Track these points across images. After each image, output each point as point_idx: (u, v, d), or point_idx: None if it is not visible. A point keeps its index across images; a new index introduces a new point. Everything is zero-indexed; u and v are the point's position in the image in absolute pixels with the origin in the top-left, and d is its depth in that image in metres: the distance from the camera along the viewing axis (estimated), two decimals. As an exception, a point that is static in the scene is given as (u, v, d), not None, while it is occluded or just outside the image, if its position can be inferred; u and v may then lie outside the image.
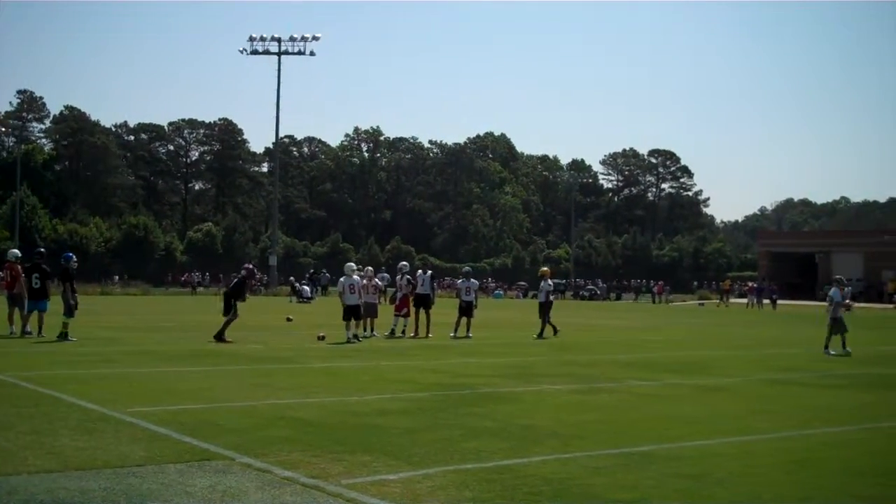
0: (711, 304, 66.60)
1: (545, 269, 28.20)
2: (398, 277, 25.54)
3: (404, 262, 26.65)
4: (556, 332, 25.29)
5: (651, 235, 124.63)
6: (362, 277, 23.20)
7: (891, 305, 62.17)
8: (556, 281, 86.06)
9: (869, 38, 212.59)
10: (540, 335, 24.78)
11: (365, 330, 23.20)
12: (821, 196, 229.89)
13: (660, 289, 72.98)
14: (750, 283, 69.02)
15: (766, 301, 59.69)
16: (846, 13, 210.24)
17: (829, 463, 8.44)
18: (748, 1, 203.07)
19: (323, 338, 21.90)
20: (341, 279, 22.20)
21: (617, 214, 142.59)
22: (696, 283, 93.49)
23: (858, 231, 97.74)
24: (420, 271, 25.48)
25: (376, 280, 23.37)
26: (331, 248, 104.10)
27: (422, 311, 24.31)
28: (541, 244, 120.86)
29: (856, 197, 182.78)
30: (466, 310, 24.84)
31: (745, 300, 64.75)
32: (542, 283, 25.93)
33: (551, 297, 25.91)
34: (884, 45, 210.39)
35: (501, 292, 78.42)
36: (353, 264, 22.88)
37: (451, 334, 24.22)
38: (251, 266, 25.38)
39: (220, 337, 20.85)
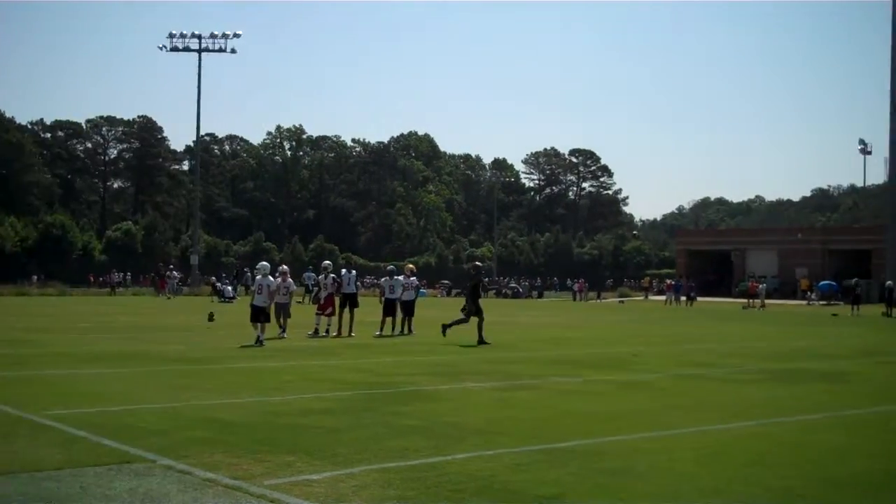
0: (632, 302, 67.58)
1: (410, 265, 28.01)
2: (322, 276, 25.39)
3: (328, 262, 26.51)
4: (408, 331, 25.19)
5: (572, 234, 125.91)
6: (276, 277, 22.72)
7: (804, 302, 63.71)
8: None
9: (782, 40, 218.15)
10: (385, 331, 24.65)
11: (284, 331, 22.85)
12: (736, 195, 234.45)
13: (580, 286, 73.77)
14: (668, 281, 70.21)
15: (683, 298, 60.71)
16: (761, 14, 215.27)
17: (743, 455, 8.65)
18: (665, 1, 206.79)
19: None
20: (258, 278, 21.88)
21: (539, 213, 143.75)
22: (610, 280, 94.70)
23: (772, 229, 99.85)
24: (344, 270, 25.40)
25: (289, 280, 22.92)
26: (253, 248, 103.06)
27: (346, 310, 24.24)
28: (464, 243, 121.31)
29: (770, 196, 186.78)
30: (391, 308, 24.84)
31: (663, 297, 65.82)
32: (405, 280, 25.72)
33: (411, 295, 25.87)
34: (796, 47, 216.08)
35: (425, 291, 78.28)
36: (266, 264, 22.38)
37: (377, 333, 24.19)
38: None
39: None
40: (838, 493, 7.31)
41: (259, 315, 21.02)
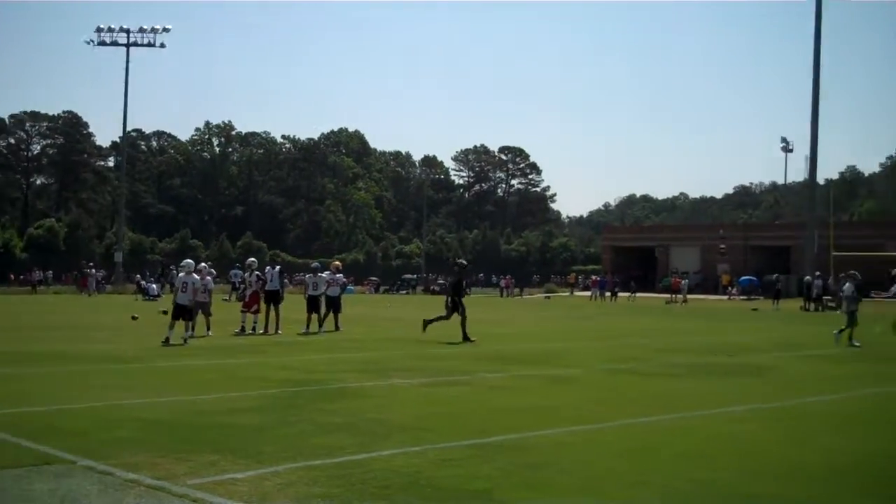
0: (558, 298, 68.17)
1: (337, 262, 27.89)
2: (247, 274, 25.13)
3: (253, 259, 26.25)
4: (335, 327, 25.22)
5: (500, 230, 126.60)
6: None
7: (724, 297, 64.90)
8: (408, 276, 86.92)
9: (705, 39, 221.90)
10: (319, 326, 24.57)
11: (209, 329, 22.51)
12: (661, 192, 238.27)
13: (507, 283, 74.16)
14: (593, 277, 70.91)
15: (607, 293, 61.39)
16: (682, 11, 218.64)
17: (667, 448, 8.75)
18: (591, 0, 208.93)
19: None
20: (180, 276, 21.53)
21: (468, 210, 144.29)
22: (537, 276, 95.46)
23: (696, 225, 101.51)
24: (269, 267, 25.15)
25: (208, 278, 22.48)
26: (179, 245, 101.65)
27: (272, 307, 24.04)
28: (393, 240, 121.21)
29: (694, 193, 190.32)
30: (314, 305, 24.63)
31: (588, 293, 66.48)
32: (329, 276, 25.63)
33: (336, 291, 25.84)
34: (719, 45, 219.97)
35: (353, 288, 78.00)
36: (191, 261, 22.04)
37: (302, 330, 24.02)
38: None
39: None
40: (758, 482, 7.43)
41: (182, 313, 20.73)
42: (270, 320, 23.89)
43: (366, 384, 13.40)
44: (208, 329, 22.47)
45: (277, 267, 25.06)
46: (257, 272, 24.55)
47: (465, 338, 21.74)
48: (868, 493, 7.32)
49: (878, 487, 7.56)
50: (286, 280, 26.34)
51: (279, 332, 23.55)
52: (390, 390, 12.88)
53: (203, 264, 23.94)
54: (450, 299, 22.63)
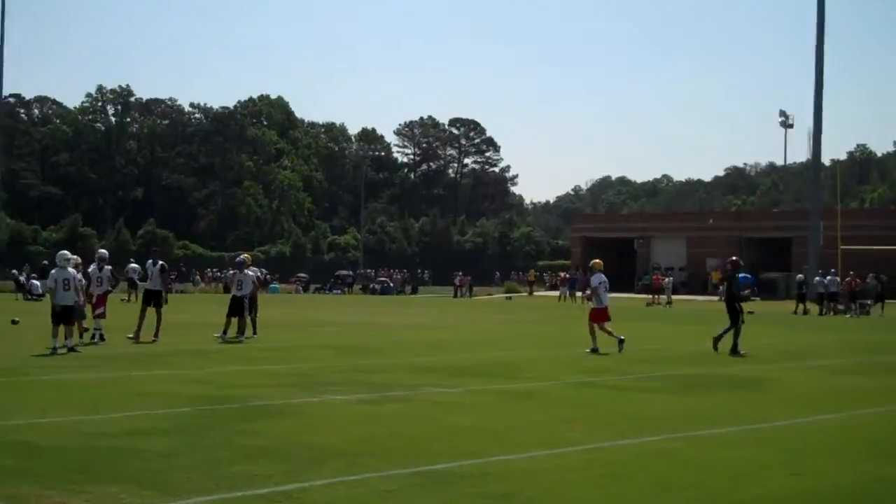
0: (521, 298, 68.48)
1: (247, 255, 27.77)
2: (93, 268, 24.34)
3: (103, 251, 25.74)
4: (255, 331, 25.21)
5: (452, 218, 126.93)
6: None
7: (715, 298, 65.35)
8: (343, 272, 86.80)
9: (695, 8, 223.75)
10: (231, 333, 24.48)
11: (81, 336, 22.15)
12: (640, 174, 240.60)
13: (462, 281, 74.37)
14: (562, 274, 71.30)
15: (578, 293, 61.69)
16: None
17: (643, 475, 8.88)
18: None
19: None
20: (52, 272, 21.14)
21: (414, 193, 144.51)
22: (498, 273, 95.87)
23: (681, 213, 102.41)
24: (149, 262, 24.79)
25: (79, 275, 22.07)
26: (68, 234, 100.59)
27: (150, 309, 23.73)
28: (324, 228, 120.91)
29: (678, 175, 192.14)
30: (238, 307, 24.50)
31: (556, 292, 66.78)
32: (240, 274, 25.52)
33: (249, 290, 25.83)
34: (708, 4, 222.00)
35: (277, 286, 77.81)
36: (67, 253, 21.57)
37: (218, 335, 23.91)
38: None
39: None
40: (751, 516, 7.58)
41: (65, 316, 20.39)
42: (148, 324, 23.58)
43: (293, 401, 13.41)
44: (76, 336, 21.97)
45: (160, 263, 24.67)
46: (109, 266, 24.35)
47: (735, 350, 22.15)
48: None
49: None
50: (170, 276, 25.83)
51: (156, 339, 23.26)
52: (322, 408, 12.90)
53: (75, 257, 23.55)
54: (734, 304, 22.76)
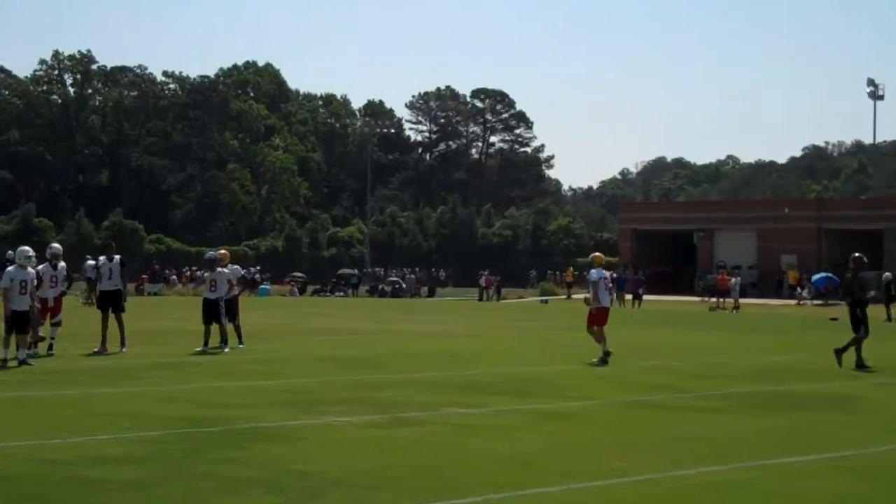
0: (558, 302, 68.38)
1: (223, 251, 27.76)
2: (42, 266, 24.25)
3: (57, 245, 25.62)
4: (240, 340, 25.39)
5: (476, 207, 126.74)
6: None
7: (792, 301, 64.99)
8: (347, 271, 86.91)
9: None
10: (222, 341, 24.51)
11: (35, 346, 22.17)
12: (701, 155, 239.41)
13: (488, 280, 74.33)
14: (608, 273, 71.04)
15: (628, 296, 61.57)
16: None
17: (709, 512, 8.88)
18: None
19: None
20: (8, 269, 21.14)
21: (430, 178, 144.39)
22: (534, 272, 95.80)
23: (750, 201, 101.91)
24: (102, 258, 24.74)
25: (31, 270, 22.02)
26: (20, 226, 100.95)
27: (109, 314, 23.78)
28: (324, 219, 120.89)
29: (747, 157, 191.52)
30: (213, 311, 24.50)
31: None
32: (212, 273, 25.53)
33: (235, 290, 25.84)
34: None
35: (269, 287, 78.01)
36: (28, 249, 21.58)
37: (200, 349, 23.96)
38: None
39: None
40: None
41: (20, 323, 20.44)
42: (111, 334, 23.64)
43: (288, 423, 13.44)
44: (34, 346, 22.06)
45: (116, 257, 24.59)
46: (64, 263, 24.13)
47: (860, 363, 22.22)
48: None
49: None
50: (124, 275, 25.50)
51: (123, 349, 23.32)
52: (322, 431, 12.93)
53: (56, 245, 23.49)
54: (856, 310, 22.93)
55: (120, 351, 23.29)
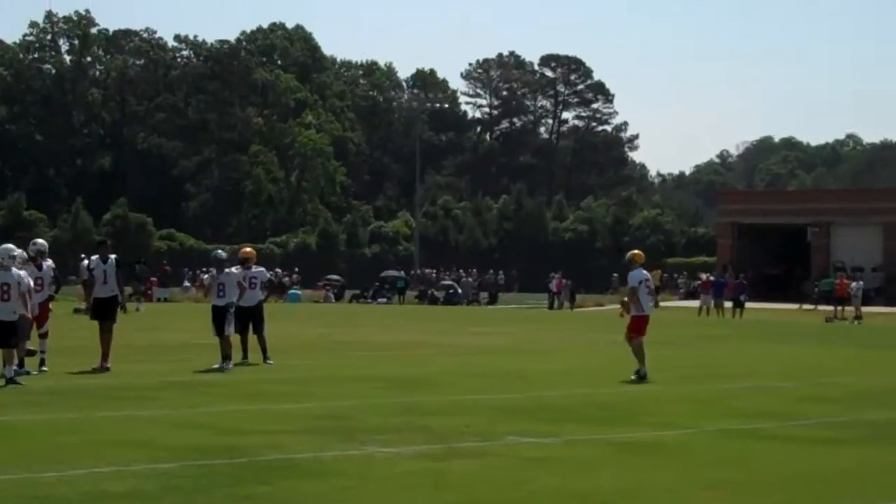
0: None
1: (248, 249, 27.80)
2: (25, 270, 24.29)
3: (41, 241, 25.60)
4: (265, 356, 25.47)
5: (546, 197, 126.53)
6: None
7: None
8: (392, 273, 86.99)
9: None
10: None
11: (22, 364, 22.24)
12: (816, 135, 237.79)
13: (559, 284, 74.20)
14: (703, 276, 70.77)
15: (728, 304, 61.27)
16: None
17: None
18: None
19: None
20: None
21: (491, 162, 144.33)
22: (616, 275, 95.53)
23: (874, 190, 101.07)
24: (94, 258, 24.69)
25: (17, 271, 22.08)
26: (8, 219, 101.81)
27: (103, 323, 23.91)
28: (365, 212, 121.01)
29: (870, 136, 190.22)
30: (221, 319, 24.53)
31: (696, 302, 66.29)
32: (221, 275, 25.60)
33: (261, 295, 26.01)
34: None
35: (299, 292, 78.30)
36: (11, 247, 21.51)
37: (216, 365, 24.07)
38: None
39: None
40: None
41: (5, 335, 20.42)
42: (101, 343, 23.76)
43: (322, 454, 13.49)
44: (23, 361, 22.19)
45: (112, 258, 24.57)
46: (50, 262, 24.17)
47: None
48: None
49: None
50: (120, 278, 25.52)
51: (107, 367, 23.28)
52: (363, 465, 12.98)
53: (40, 240, 23.54)
54: None
55: (101, 366, 23.22)
